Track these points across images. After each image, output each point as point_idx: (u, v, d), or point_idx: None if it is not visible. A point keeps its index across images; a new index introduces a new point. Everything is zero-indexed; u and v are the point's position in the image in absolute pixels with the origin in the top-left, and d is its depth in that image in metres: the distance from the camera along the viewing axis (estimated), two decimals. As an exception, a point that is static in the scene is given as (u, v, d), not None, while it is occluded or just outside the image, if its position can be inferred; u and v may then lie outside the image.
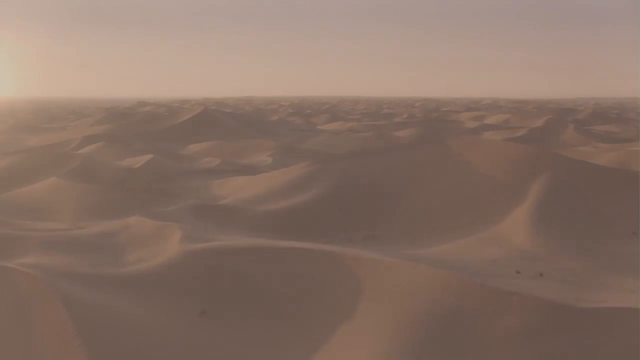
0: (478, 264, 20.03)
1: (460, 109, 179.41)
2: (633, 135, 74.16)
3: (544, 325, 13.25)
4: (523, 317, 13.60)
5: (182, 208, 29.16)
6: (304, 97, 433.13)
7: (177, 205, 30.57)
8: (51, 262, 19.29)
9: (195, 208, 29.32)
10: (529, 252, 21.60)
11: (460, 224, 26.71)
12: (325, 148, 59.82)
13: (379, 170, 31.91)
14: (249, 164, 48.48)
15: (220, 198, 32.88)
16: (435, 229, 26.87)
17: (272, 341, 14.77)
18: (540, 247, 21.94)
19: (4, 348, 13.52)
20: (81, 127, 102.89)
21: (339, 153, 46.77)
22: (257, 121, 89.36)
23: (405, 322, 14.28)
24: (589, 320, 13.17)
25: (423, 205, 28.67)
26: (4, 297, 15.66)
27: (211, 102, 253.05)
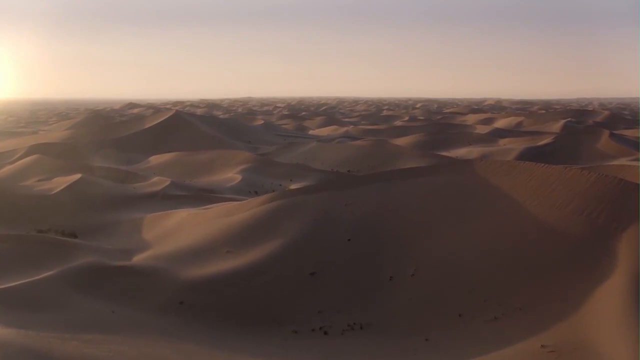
0: None
1: (463, 110, 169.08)
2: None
3: None
4: None
5: (66, 272, 18.73)
6: (303, 97, 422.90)
7: (65, 264, 20.10)
8: None
9: (87, 273, 18.89)
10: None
11: (504, 309, 16.23)
12: (310, 161, 49.36)
13: (373, 207, 21.44)
14: (207, 186, 38.00)
15: (138, 249, 22.42)
16: (464, 317, 16.42)
17: None
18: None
19: None
20: (53, 132, 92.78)
21: (318, 181, 36.50)
22: (240, 126, 78.90)
23: None
24: None
25: (442, 270, 18.20)
26: None
27: (205, 104, 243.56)
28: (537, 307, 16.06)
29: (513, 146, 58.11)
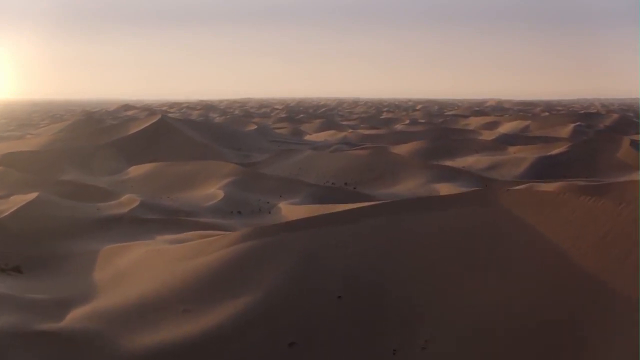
0: None
1: (465, 112, 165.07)
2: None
3: None
4: None
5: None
6: (303, 98, 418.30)
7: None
8: None
9: (8, 338, 14.54)
10: None
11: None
12: (304, 172, 45.08)
13: (371, 252, 17.02)
14: (183, 207, 33.58)
15: (79, 299, 18.00)
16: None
17: None
18: None
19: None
20: (39, 137, 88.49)
21: (311, 197, 32.18)
22: (231, 132, 74.53)
23: None
24: None
25: (462, 341, 13.80)
26: None
27: (202, 105, 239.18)
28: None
29: (524, 155, 53.72)
